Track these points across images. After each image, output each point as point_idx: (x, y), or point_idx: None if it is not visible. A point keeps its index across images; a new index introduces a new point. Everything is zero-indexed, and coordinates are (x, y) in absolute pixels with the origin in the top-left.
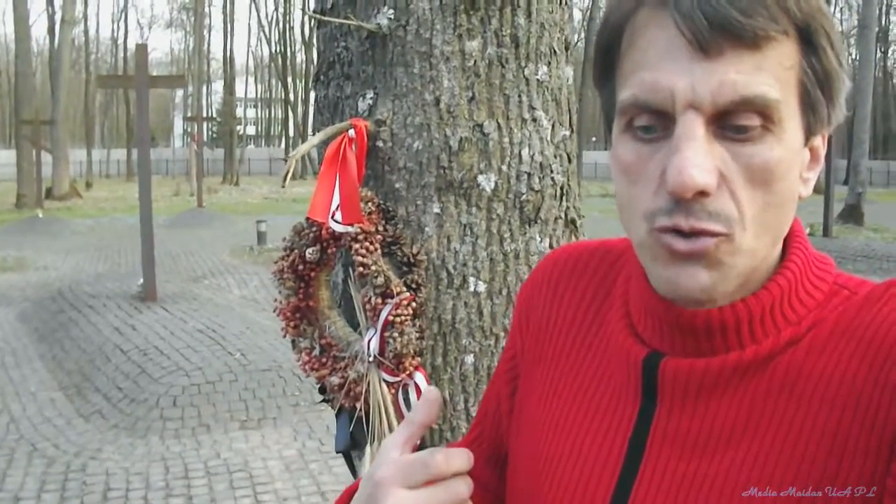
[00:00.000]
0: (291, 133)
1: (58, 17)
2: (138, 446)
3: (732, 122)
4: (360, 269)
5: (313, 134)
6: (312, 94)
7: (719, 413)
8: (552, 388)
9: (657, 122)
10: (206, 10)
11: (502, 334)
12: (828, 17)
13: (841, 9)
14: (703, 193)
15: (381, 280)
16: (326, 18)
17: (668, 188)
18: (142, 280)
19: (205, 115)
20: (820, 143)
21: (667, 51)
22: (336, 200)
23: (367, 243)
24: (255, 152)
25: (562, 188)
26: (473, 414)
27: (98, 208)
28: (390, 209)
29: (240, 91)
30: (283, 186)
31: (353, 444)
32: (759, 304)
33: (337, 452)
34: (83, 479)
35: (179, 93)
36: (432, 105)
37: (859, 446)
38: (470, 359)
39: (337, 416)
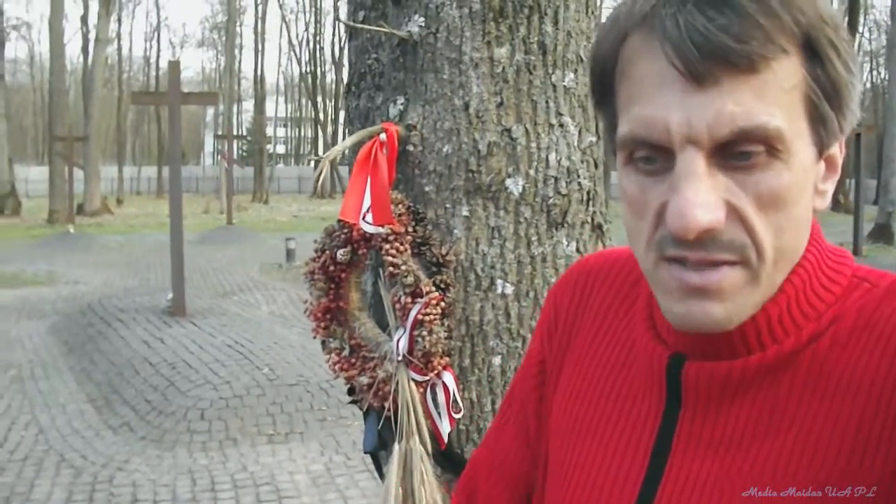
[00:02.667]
0: (321, 152)
1: (92, 35)
2: (166, 458)
3: (735, 151)
4: (391, 269)
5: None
6: (342, 114)
7: (742, 413)
8: (577, 391)
9: (658, 154)
10: (238, 29)
11: (529, 336)
12: (831, 24)
13: (869, 28)
14: (708, 231)
15: (410, 279)
16: (360, 26)
17: (671, 231)
18: (171, 295)
19: (235, 133)
20: (836, 151)
21: (660, 83)
22: (367, 202)
23: (397, 244)
24: (285, 171)
25: (588, 193)
26: None
27: (128, 225)
28: (420, 211)
29: (270, 110)
30: (315, 192)
31: (380, 445)
32: (775, 307)
33: (365, 453)
34: (110, 490)
35: (210, 111)
36: (461, 110)
37: (882, 441)
38: (497, 360)
39: (365, 416)
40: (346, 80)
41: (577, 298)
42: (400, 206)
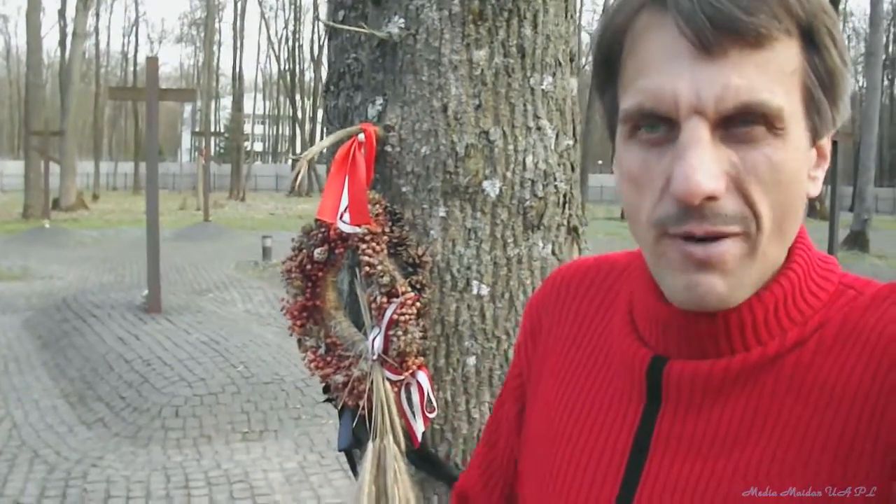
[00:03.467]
0: (299, 150)
1: (69, 29)
2: (140, 455)
3: (738, 125)
4: (367, 268)
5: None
6: (320, 112)
7: (724, 415)
8: (555, 398)
9: (662, 125)
10: (217, 26)
11: (504, 337)
12: (830, 16)
13: (848, 36)
14: (711, 198)
15: (386, 279)
16: (340, 27)
17: (675, 195)
18: (146, 291)
19: (213, 130)
20: (827, 141)
21: (669, 54)
22: (344, 202)
23: (373, 244)
24: (262, 168)
25: (564, 196)
26: (474, 415)
27: (104, 220)
28: (397, 212)
29: (248, 107)
30: (293, 190)
31: (355, 443)
32: (762, 307)
33: (339, 450)
34: (84, 486)
35: (188, 108)
36: (440, 112)
37: (865, 449)
38: (472, 361)
39: (340, 414)
40: (325, 78)
41: (556, 310)
42: (377, 206)
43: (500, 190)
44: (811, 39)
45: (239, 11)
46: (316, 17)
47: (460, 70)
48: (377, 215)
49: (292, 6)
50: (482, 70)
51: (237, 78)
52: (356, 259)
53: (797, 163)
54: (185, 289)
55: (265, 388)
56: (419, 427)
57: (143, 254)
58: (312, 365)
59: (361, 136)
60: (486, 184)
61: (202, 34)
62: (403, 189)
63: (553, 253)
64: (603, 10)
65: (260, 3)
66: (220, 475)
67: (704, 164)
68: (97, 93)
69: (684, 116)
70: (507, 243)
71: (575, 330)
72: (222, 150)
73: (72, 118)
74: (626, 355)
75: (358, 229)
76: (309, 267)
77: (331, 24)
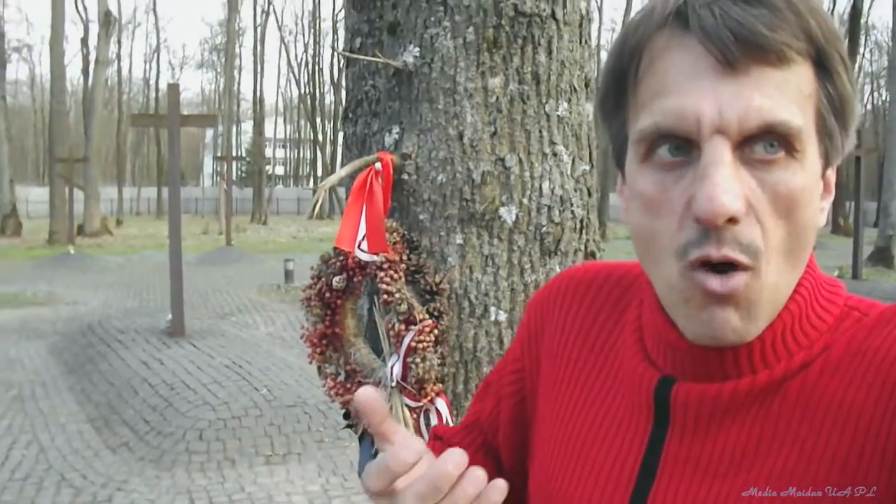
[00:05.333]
0: (320, 173)
1: (92, 57)
2: (164, 479)
3: (759, 147)
4: (385, 296)
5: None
6: (341, 135)
7: (730, 437)
8: (564, 409)
9: (681, 147)
10: (237, 51)
11: None
12: (842, 42)
13: (871, 50)
14: (732, 220)
15: (404, 307)
16: (356, 56)
17: (698, 216)
18: (170, 316)
19: (234, 154)
20: (832, 173)
21: (690, 73)
22: (362, 230)
23: (391, 272)
24: (284, 192)
25: (581, 221)
26: None
27: (128, 245)
28: (414, 240)
29: (269, 131)
30: (312, 217)
31: None
32: (770, 332)
33: (360, 476)
34: None
35: (209, 132)
36: (456, 139)
37: (871, 472)
38: None
39: (360, 441)
40: (343, 105)
41: (564, 313)
42: (394, 234)
43: (517, 216)
44: (824, 65)
45: (259, 37)
46: (332, 48)
47: (475, 98)
48: (395, 243)
49: (312, 31)
50: (497, 97)
51: (258, 102)
52: (375, 286)
53: (812, 189)
54: (208, 313)
55: (288, 411)
56: None
57: (167, 278)
58: (332, 392)
59: (378, 165)
60: (502, 210)
61: (223, 59)
62: (421, 217)
63: None
64: (619, 31)
65: (280, 28)
66: (244, 498)
67: (728, 184)
68: (120, 119)
69: (706, 136)
70: (524, 269)
71: (583, 338)
72: (244, 175)
73: (95, 144)
74: (634, 374)
75: (376, 257)
76: (328, 295)
77: (346, 54)
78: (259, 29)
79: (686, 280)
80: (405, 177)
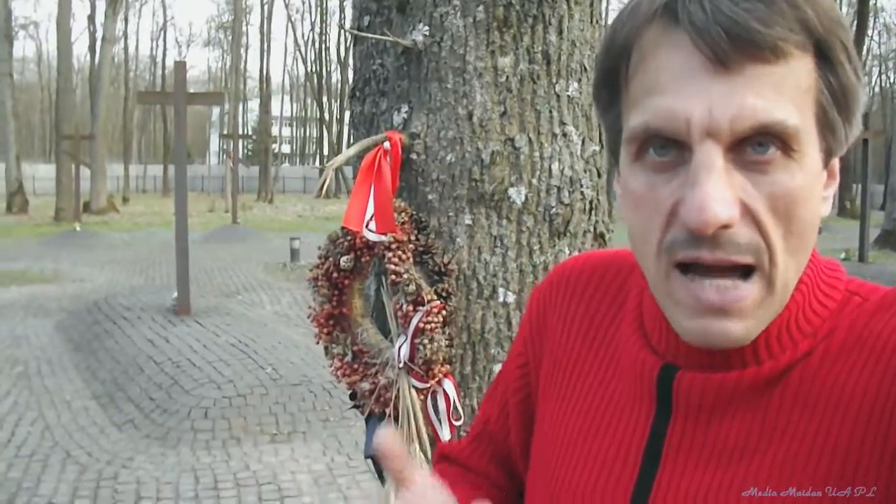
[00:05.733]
0: (326, 152)
1: (99, 34)
2: (169, 456)
3: (751, 149)
4: (393, 276)
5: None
6: (347, 114)
7: (733, 426)
8: (566, 397)
9: (671, 148)
10: (244, 29)
11: None
12: (846, 29)
13: (878, 32)
14: (725, 226)
15: (412, 288)
16: (364, 35)
17: (689, 225)
18: (176, 293)
19: (241, 132)
20: (836, 161)
21: (681, 72)
22: (370, 210)
23: (399, 252)
24: (290, 170)
25: (591, 202)
26: None
27: (134, 223)
28: (423, 220)
29: (275, 109)
30: (319, 197)
31: None
32: (775, 323)
33: (365, 458)
34: (115, 486)
35: (216, 110)
36: (465, 119)
37: (873, 457)
38: (498, 368)
39: (366, 421)
40: (350, 83)
41: (565, 304)
42: (403, 214)
43: (526, 197)
44: (826, 55)
45: (266, 14)
46: (340, 26)
47: (485, 77)
48: (403, 223)
49: (318, 9)
50: (507, 77)
51: (264, 80)
52: (383, 267)
53: (811, 186)
54: (213, 291)
55: (293, 389)
56: (445, 435)
57: (173, 256)
58: (339, 372)
59: (387, 145)
60: (511, 191)
61: (229, 37)
62: (429, 197)
63: None
64: (601, 36)
65: (286, 6)
66: (249, 476)
67: (719, 192)
68: (126, 97)
69: (697, 140)
70: (533, 250)
71: (585, 327)
72: (250, 153)
73: (102, 122)
74: (636, 362)
75: (384, 237)
76: (335, 275)
77: (355, 31)
78: (266, 7)
79: (674, 283)
80: (414, 156)
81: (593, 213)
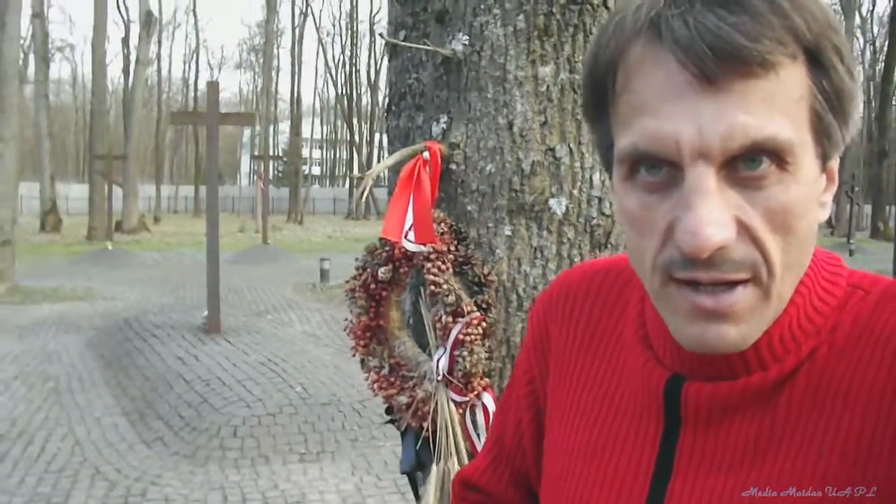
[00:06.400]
0: (356, 173)
1: (132, 57)
2: (198, 474)
3: (744, 165)
4: (432, 287)
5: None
6: (377, 136)
7: (742, 431)
8: (572, 410)
9: (663, 168)
10: (275, 52)
11: None
12: (837, 32)
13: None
14: (720, 249)
15: (452, 299)
16: (405, 44)
17: (683, 250)
18: (206, 312)
19: (271, 154)
20: (835, 163)
21: (668, 91)
22: (409, 221)
23: (439, 262)
24: (320, 192)
25: None
26: None
27: (165, 242)
28: (462, 230)
29: (306, 132)
30: (356, 207)
31: (417, 465)
32: (777, 327)
33: (402, 473)
34: (142, 503)
35: (247, 132)
36: (505, 129)
37: (884, 449)
38: None
39: (402, 436)
40: (383, 101)
41: (561, 316)
42: (442, 224)
43: (567, 208)
44: (818, 60)
45: (297, 38)
46: (379, 35)
47: (526, 86)
48: (442, 234)
49: (349, 32)
50: (548, 86)
51: (295, 103)
52: (420, 279)
53: (808, 197)
54: (243, 310)
55: (323, 409)
56: None
57: (203, 275)
58: (375, 385)
59: (426, 154)
60: (552, 202)
61: (261, 60)
62: (468, 207)
63: None
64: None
65: (317, 30)
66: (277, 496)
67: (713, 215)
68: (159, 118)
69: (688, 162)
70: (573, 262)
71: (588, 339)
72: (281, 174)
73: (134, 143)
74: (642, 373)
75: (423, 248)
76: (373, 286)
77: (393, 41)
78: (297, 30)
79: (670, 292)
80: (453, 167)
81: None
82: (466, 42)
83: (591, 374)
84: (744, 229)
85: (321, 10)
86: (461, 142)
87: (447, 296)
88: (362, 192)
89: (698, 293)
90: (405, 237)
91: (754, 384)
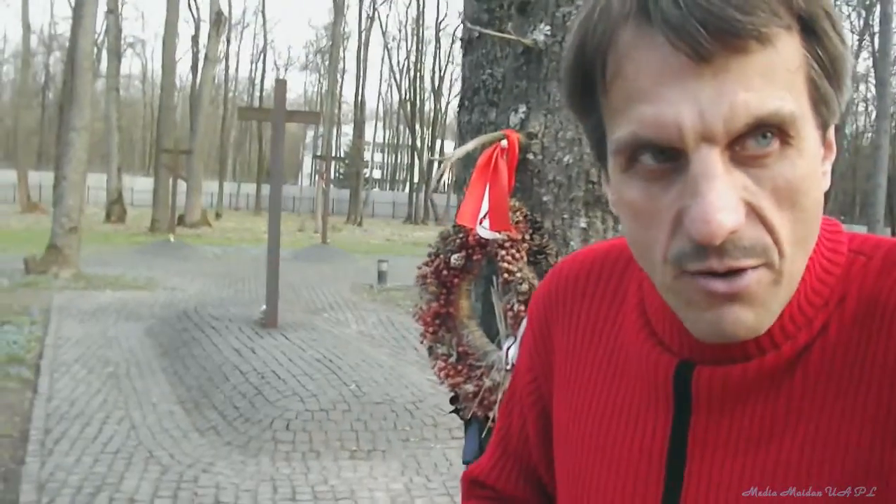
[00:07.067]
0: (416, 179)
1: (201, 54)
2: (249, 465)
3: (751, 142)
4: (506, 275)
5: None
6: (439, 142)
7: (756, 412)
8: (579, 404)
9: (664, 154)
10: (341, 55)
11: None
12: None
13: None
14: (732, 233)
15: (525, 287)
16: (488, 32)
17: (694, 237)
18: (264, 306)
19: (334, 155)
20: (832, 131)
21: (663, 74)
22: (485, 208)
23: (513, 251)
24: (380, 195)
25: None
26: None
27: (226, 238)
28: (537, 220)
29: (368, 135)
30: (436, 188)
31: (481, 455)
32: (787, 305)
33: (464, 462)
34: (195, 489)
35: (310, 133)
36: None
37: None
38: None
39: (466, 426)
40: (446, 106)
41: (560, 307)
42: (518, 213)
43: None
44: (811, 29)
45: (363, 42)
46: (462, 21)
47: None
48: (517, 222)
49: (415, 38)
50: None
51: (359, 106)
52: (493, 267)
53: (813, 170)
54: (300, 307)
55: (376, 407)
56: None
57: (262, 272)
58: (442, 373)
59: (504, 143)
60: None
61: (326, 62)
62: (544, 198)
63: None
64: (572, 28)
65: (383, 34)
66: (327, 491)
67: (723, 200)
68: (224, 116)
69: (692, 146)
70: None
71: (590, 329)
72: (342, 176)
73: (200, 139)
74: (648, 361)
75: (498, 235)
76: (445, 273)
77: (478, 28)
78: (363, 34)
79: (683, 283)
80: (530, 157)
81: None
82: (548, 32)
83: (595, 366)
84: (752, 211)
85: (388, 15)
86: (539, 132)
87: (521, 284)
88: (440, 176)
89: (710, 279)
90: (480, 224)
91: (769, 364)
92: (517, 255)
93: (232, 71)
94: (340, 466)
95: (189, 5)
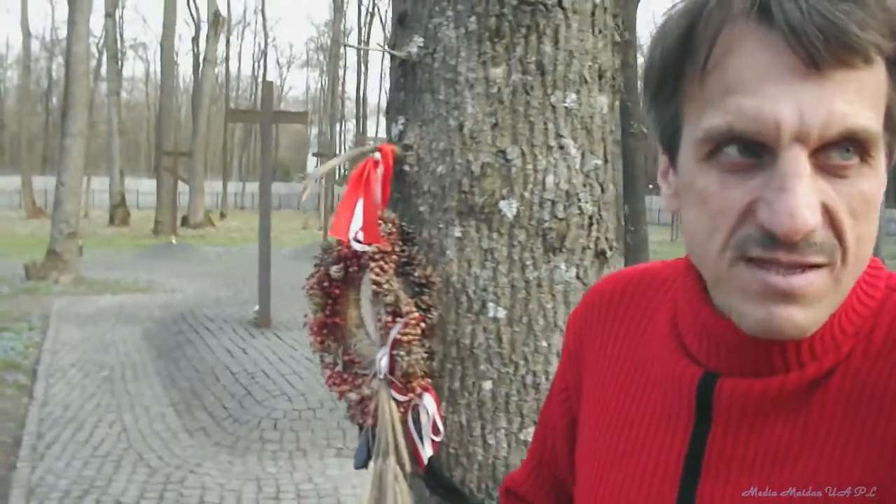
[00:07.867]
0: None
1: (202, 56)
2: (236, 464)
3: (836, 154)
4: (375, 287)
5: None
6: None
7: (774, 431)
8: (603, 415)
9: (751, 148)
10: (342, 51)
11: (522, 362)
12: None
13: None
14: (810, 231)
15: (391, 299)
16: (357, 47)
17: (775, 230)
18: (257, 306)
19: (336, 152)
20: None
21: (770, 72)
22: (358, 221)
23: (382, 262)
24: None
25: (591, 217)
26: (490, 441)
27: (229, 237)
28: (410, 231)
29: (371, 131)
30: (303, 201)
31: (369, 460)
32: (820, 327)
33: (356, 468)
34: (180, 490)
35: (314, 130)
36: (456, 131)
37: None
38: (488, 385)
39: (360, 431)
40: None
41: (594, 327)
42: (390, 224)
43: (518, 210)
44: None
45: (364, 38)
46: (343, 43)
47: (476, 88)
48: (389, 234)
49: None
50: (499, 88)
51: (361, 101)
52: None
53: (880, 192)
54: (297, 305)
55: None
56: (426, 450)
57: None
58: (330, 381)
59: (377, 155)
60: (502, 204)
61: (328, 59)
62: (420, 208)
63: (577, 277)
64: (672, 13)
65: (384, 29)
66: (311, 489)
67: (808, 198)
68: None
69: (785, 144)
70: (525, 265)
71: (618, 348)
72: (345, 172)
73: (203, 140)
74: (674, 372)
75: (369, 248)
76: (326, 284)
77: (351, 45)
78: (364, 29)
79: (739, 271)
80: (407, 168)
81: (593, 228)
82: (421, 44)
83: (621, 378)
84: (827, 215)
85: (387, 10)
86: (415, 143)
87: (387, 295)
88: (305, 193)
89: (770, 273)
90: (353, 237)
91: (791, 383)
92: (385, 267)
93: (235, 70)
94: (326, 465)
95: (188, 6)
